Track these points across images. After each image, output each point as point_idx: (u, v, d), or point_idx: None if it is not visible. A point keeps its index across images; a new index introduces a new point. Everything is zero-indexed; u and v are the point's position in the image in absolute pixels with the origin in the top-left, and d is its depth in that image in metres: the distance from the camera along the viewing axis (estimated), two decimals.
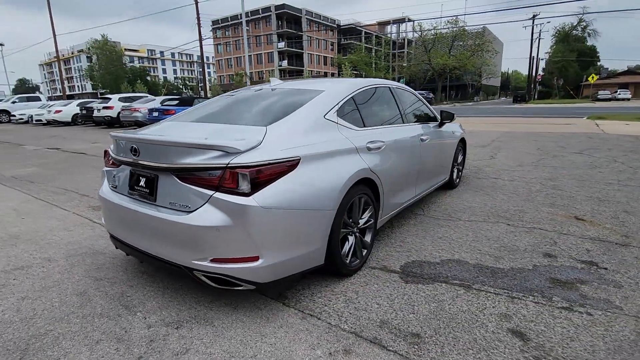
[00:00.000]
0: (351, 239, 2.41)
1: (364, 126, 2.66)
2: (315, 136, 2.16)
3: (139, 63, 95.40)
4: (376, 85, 3.08)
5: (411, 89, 3.80)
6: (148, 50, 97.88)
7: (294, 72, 59.87)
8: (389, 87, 3.25)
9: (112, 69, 65.60)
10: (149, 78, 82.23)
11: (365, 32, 66.82)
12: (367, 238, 2.61)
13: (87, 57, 77.12)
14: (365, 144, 2.47)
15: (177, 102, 13.29)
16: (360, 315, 1.99)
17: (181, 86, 78.00)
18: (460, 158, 4.77)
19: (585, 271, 2.46)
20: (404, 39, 70.47)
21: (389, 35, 69.38)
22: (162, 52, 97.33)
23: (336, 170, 2.15)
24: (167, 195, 1.91)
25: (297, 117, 2.20)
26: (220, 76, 69.50)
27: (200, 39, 28.65)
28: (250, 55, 63.52)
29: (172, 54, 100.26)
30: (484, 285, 2.30)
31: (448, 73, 53.39)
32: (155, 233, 1.93)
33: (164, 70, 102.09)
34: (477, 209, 3.84)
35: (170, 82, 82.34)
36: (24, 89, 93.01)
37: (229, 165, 1.74)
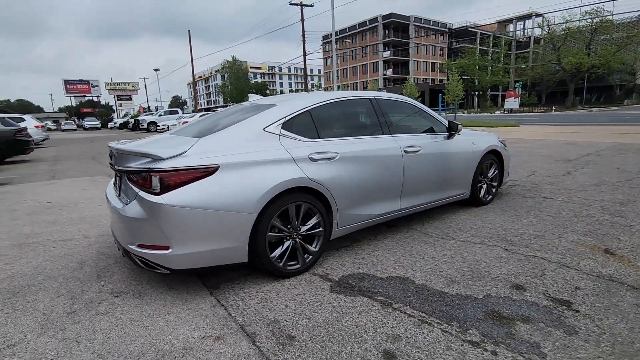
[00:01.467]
0: (287, 243, 2.57)
1: (319, 137, 2.79)
2: (246, 146, 2.43)
3: (261, 78, 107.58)
4: (349, 98, 3.14)
5: (411, 100, 3.67)
6: (269, 66, 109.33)
7: (398, 80, 59.08)
8: (369, 99, 3.26)
9: (239, 84, 75.48)
10: (268, 91, 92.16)
11: (480, 33, 61.65)
12: (314, 245, 2.72)
13: (221, 75, 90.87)
14: (307, 154, 2.61)
15: None
16: (262, 312, 2.16)
17: None
18: (492, 172, 4.30)
19: (544, 310, 2.10)
20: (528, 38, 62.53)
21: (509, 34, 62.44)
22: (280, 68, 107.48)
23: (261, 178, 2.36)
24: (124, 191, 2.44)
25: (233, 130, 2.51)
26: (327, 87, 73.10)
27: (305, 55, 30.93)
28: (355, 67, 65.22)
29: (289, 69, 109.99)
30: (406, 305, 2.19)
31: (584, 73, 45.17)
32: (115, 220, 2.48)
33: (281, 84, 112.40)
34: (485, 229, 3.46)
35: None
36: (177, 104, 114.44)
37: (149, 169, 2.15)
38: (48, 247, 3.22)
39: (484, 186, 4.25)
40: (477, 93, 56.01)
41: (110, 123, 46.58)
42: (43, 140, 17.52)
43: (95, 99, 71.37)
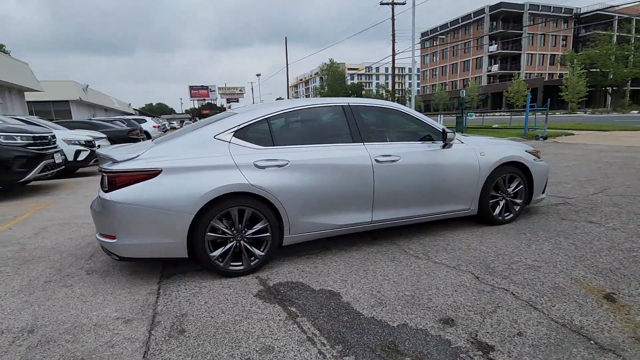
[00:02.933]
0: (229, 244, 2.72)
1: (274, 145, 2.86)
2: (193, 152, 2.65)
3: (358, 79, 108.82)
4: (317, 105, 3.11)
5: (400, 107, 3.41)
6: (366, 67, 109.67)
7: (505, 77, 53.01)
8: (342, 105, 3.16)
9: (334, 86, 77.86)
10: (363, 92, 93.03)
11: (618, 16, 51.09)
12: (262, 249, 2.81)
13: (320, 78, 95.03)
14: (253, 161, 2.71)
15: None
16: (182, 305, 2.36)
17: (387, 97, 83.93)
18: (513, 188, 3.71)
19: (451, 351, 1.83)
20: None
21: None
22: (377, 68, 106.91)
23: (200, 181, 2.56)
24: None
25: (185, 137, 2.77)
26: (424, 87, 69.86)
27: (393, 54, 30.24)
28: (456, 63, 60.79)
29: (386, 69, 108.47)
30: (310, 320, 2.14)
31: None
32: None
33: (377, 84, 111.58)
34: (473, 252, 3.05)
35: (378, 94, 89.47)
36: None
37: (104, 170, 2.55)
38: (80, 228, 3.99)
39: (501, 203, 3.70)
40: (611, 89, 46.73)
41: None
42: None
43: (212, 101, 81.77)
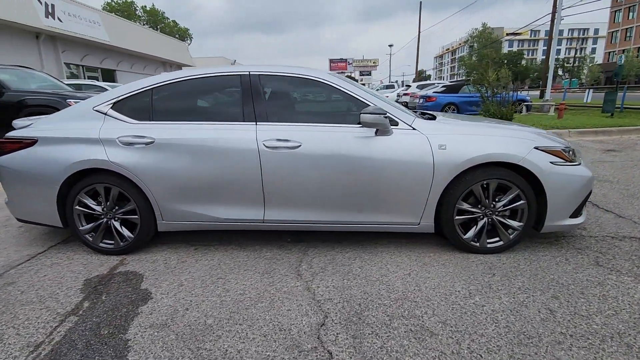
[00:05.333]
0: (100, 221, 2.63)
1: (151, 120, 2.55)
2: (71, 124, 2.60)
3: (519, 46, 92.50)
4: (207, 75, 2.58)
5: (328, 78, 2.52)
6: (531, 31, 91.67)
7: None
8: (240, 75, 2.54)
9: (484, 54, 68.48)
10: (524, 61, 78.80)
11: None
12: (134, 232, 2.63)
13: (470, 46, 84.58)
14: (117, 137, 2.48)
15: (444, 89, 13.07)
16: (26, 274, 2.42)
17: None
18: (504, 202, 2.43)
19: None
20: None
21: None
22: (546, 32, 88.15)
23: (67, 153, 2.49)
24: None
25: (69, 108, 2.72)
26: (609, 53, 53.87)
27: (554, 12, 24.10)
28: None
29: (561, 32, 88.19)
30: (77, 323, 1.89)
31: None
32: None
33: (544, 52, 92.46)
34: (373, 286, 2.17)
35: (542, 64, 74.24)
36: (420, 78, 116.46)
37: None
38: None
39: (480, 222, 2.48)
40: None
41: None
42: None
43: (350, 74, 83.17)
